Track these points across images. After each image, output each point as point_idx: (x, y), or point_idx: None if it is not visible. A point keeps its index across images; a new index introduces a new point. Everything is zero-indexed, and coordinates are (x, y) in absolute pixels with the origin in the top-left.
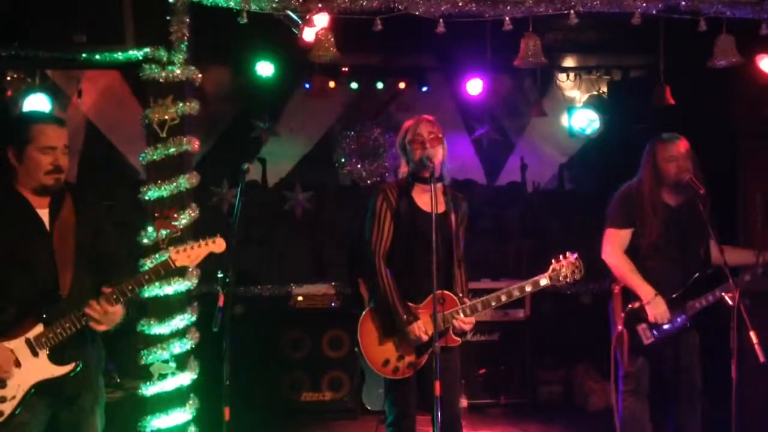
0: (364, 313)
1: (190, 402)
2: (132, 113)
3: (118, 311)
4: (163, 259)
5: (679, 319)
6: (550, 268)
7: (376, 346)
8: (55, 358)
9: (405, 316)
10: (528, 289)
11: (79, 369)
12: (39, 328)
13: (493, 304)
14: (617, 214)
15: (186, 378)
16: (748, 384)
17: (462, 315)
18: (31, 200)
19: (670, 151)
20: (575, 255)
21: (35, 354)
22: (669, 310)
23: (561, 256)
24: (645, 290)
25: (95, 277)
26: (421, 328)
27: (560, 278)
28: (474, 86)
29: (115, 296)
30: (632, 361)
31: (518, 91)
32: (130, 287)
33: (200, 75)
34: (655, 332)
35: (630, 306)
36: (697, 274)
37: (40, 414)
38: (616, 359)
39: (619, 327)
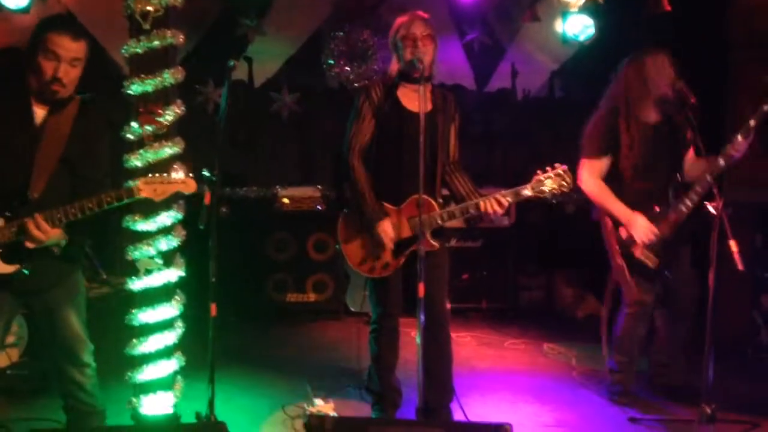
0: (345, 210)
1: (177, 298)
2: (114, 5)
3: (50, 233)
4: (130, 186)
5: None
6: (534, 178)
7: (353, 244)
8: (6, 256)
9: (373, 211)
10: (509, 199)
11: (25, 273)
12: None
13: (471, 211)
14: (594, 143)
15: (173, 274)
16: (724, 291)
17: (440, 221)
18: (34, 101)
19: (663, 64)
20: (564, 167)
21: None
22: (655, 225)
23: (548, 167)
24: (623, 212)
25: (70, 193)
26: (387, 232)
27: (545, 190)
28: None
29: (58, 217)
30: (641, 288)
31: None
32: (88, 207)
33: None
34: (653, 251)
35: (620, 238)
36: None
37: (5, 300)
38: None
39: (619, 261)
